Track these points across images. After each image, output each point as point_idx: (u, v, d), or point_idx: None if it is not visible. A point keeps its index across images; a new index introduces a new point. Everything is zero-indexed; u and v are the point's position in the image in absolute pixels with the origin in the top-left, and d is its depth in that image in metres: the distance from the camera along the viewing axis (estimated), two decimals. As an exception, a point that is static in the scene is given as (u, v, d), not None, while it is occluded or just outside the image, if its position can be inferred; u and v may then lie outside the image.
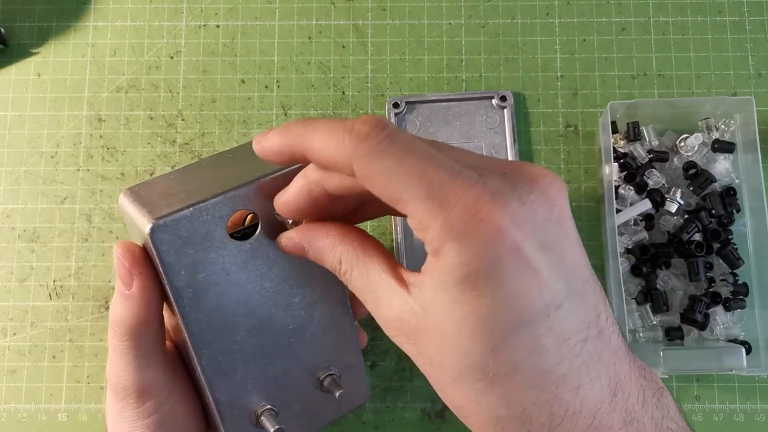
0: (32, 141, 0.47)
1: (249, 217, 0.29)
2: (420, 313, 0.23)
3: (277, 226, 0.29)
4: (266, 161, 0.27)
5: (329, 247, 0.26)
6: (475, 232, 0.21)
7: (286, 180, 0.28)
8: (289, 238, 0.28)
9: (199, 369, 0.29)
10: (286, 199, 0.27)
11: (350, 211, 0.29)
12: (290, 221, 0.28)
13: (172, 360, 0.32)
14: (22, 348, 0.45)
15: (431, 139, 0.26)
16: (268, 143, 0.26)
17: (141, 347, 0.30)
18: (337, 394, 0.32)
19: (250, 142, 0.33)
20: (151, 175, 0.47)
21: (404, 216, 0.23)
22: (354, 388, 0.34)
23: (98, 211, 0.46)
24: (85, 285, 0.45)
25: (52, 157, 0.47)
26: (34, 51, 0.49)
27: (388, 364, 0.44)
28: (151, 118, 0.48)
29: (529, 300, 0.22)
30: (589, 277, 0.24)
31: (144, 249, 0.28)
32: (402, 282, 0.24)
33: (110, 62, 0.48)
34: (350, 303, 0.33)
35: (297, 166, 0.29)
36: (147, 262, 0.28)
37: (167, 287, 0.27)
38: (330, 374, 0.33)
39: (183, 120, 0.48)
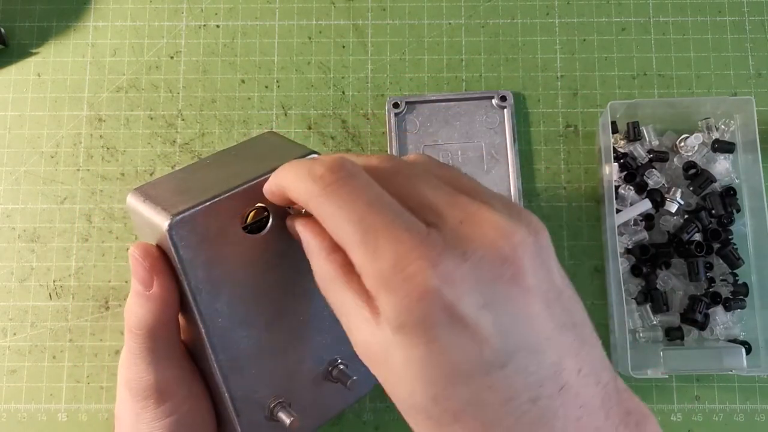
0: (32, 141, 0.47)
1: (252, 213, 0.29)
2: (384, 346, 0.23)
3: (285, 218, 0.29)
4: (275, 156, 0.28)
5: (316, 256, 0.26)
6: (404, 287, 0.21)
7: None
8: (290, 225, 0.28)
9: (215, 365, 0.29)
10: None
11: None
12: (303, 210, 0.29)
13: (187, 359, 0.32)
14: (22, 348, 0.45)
15: (443, 162, 0.26)
16: (268, 187, 0.27)
17: (161, 348, 0.30)
18: (348, 382, 0.32)
19: (251, 139, 0.33)
20: (151, 175, 0.47)
21: None
22: (359, 376, 0.34)
23: (98, 211, 0.46)
24: (85, 285, 0.45)
25: (52, 157, 0.47)
26: (34, 51, 0.49)
27: (388, 364, 0.44)
28: (151, 118, 0.48)
29: (467, 356, 0.21)
30: (550, 332, 0.22)
31: (160, 248, 0.28)
32: (375, 311, 0.23)
33: (110, 62, 0.48)
34: None
35: (310, 155, 0.29)
36: (166, 261, 0.28)
37: (185, 285, 0.27)
38: (338, 364, 0.33)
39: (183, 120, 0.48)
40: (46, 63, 0.48)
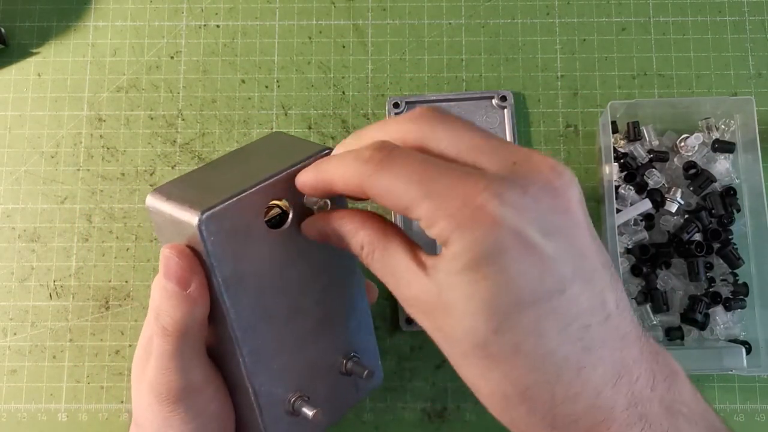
0: (32, 141, 0.47)
1: (273, 209, 0.30)
2: (436, 292, 0.24)
3: (306, 214, 0.30)
4: (289, 153, 0.29)
5: (352, 233, 0.27)
6: (475, 220, 0.23)
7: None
8: (313, 224, 0.29)
9: (241, 360, 0.29)
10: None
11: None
12: (316, 207, 0.29)
13: (208, 358, 0.31)
14: (23, 348, 0.45)
15: (449, 113, 0.27)
16: (307, 181, 0.28)
17: (191, 349, 0.30)
18: (365, 374, 0.33)
19: (261, 139, 0.33)
20: (151, 175, 0.47)
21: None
22: (371, 370, 0.34)
23: (98, 211, 0.46)
24: (85, 285, 0.45)
25: (52, 157, 0.47)
26: (34, 51, 0.49)
27: (388, 364, 0.44)
28: (152, 118, 0.48)
29: (532, 283, 0.23)
30: (597, 264, 0.24)
31: (191, 247, 0.28)
32: (421, 264, 0.25)
33: (110, 62, 0.48)
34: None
35: (324, 151, 0.30)
36: (199, 260, 0.28)
37: (216, 280, 0.28)
38: (352, 357, 0.34)
39: (183, 120, 0.48)
40: (46, 63, 0.48)
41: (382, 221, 0.28)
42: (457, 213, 0.23)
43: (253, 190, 0.28)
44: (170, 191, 0.28)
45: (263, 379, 0.30)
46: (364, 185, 0.25)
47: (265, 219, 0.29)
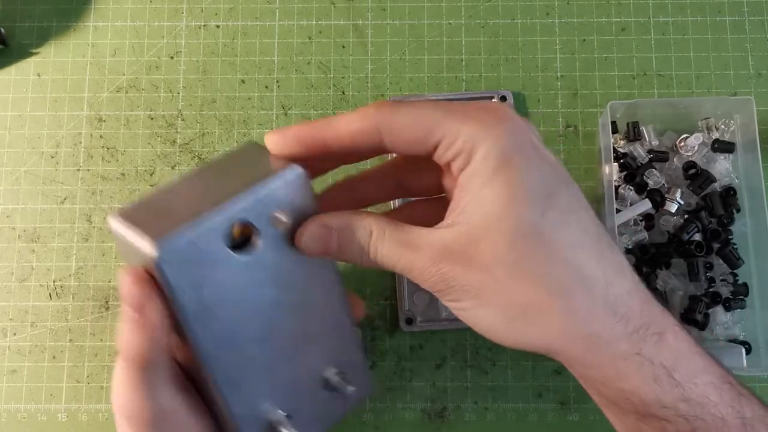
0: (32, 141, 0.47)
1: (237, 230, 0.29)
2: (464, 223, 0.26)
3: (273, 234, 0.29)
4: (256, 169, 0.28)
5: (357, 221, 0.29)
6: (501, 121, 0.26)
7: (282, 185, 0.28)
8: (313, 233, 0.29)
9: (213, 386, 0.29)
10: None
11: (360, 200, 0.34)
12: (281, 226, 0.28)
13: (184, 383, 0.31)
14: (22, 348, 0.45)
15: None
16: (286, 134, 0.29)
17: (158, 376, 0.29)
18: (348, 390, 0.33)
19: (233, 152, 0.32)
20: (151, 175, 0.47)
21: (422, 162, 0.29)
22: (357, 382, 0.34)
23: (98, 211, 0.46)
24: (85, 285, 0.45)
25: (52, 157, 0.47)
26: (34, 51, 0.49)
27: (388, 364, 0.44)
28: (151, 118, 0.48)
29: (552, 174, 0.27)
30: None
31: (149, 272, 0.27)
32: (430, 219, 0.28)
33: (110, 62, 0.48)
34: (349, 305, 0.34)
35: (289, 168, 0.29)
36: (156, 285, 0.27)
37: (176, 308, 0.27)
38: (336, 373, 0.33)
39: (183, 120, 0.48)
40: (46, 63, 0.48)
41: (380, 213, 0.29)
42: (485, 116, 0.26)
43: (213, 214, 0.27)
44: (130, 214, 0.28)
45: (239, 401, 0.30)
46: (382, 123, 0.27)
47: (239, 237, 0.28)
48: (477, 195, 0.26)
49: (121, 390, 0.29)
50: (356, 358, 0.34)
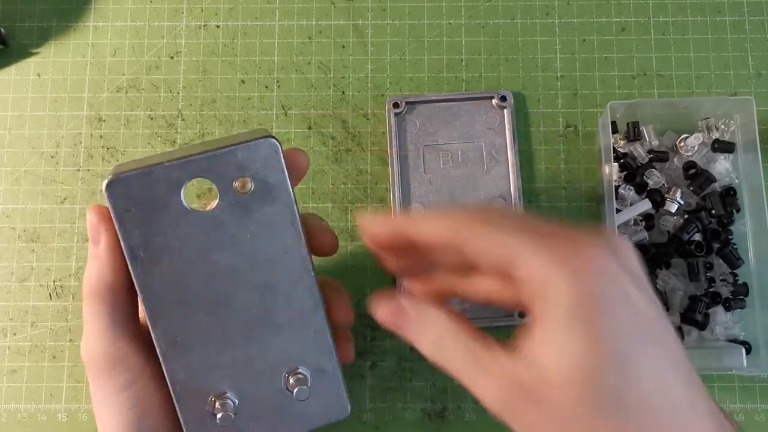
0: (32, 141, 0.47)
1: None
2: (539, 363, 0.25)
3: (237, 201, 0.30)
4: (229, 140, 0.30)
5: (434, 316, 0.29)
6: (588, 265, 0.25)
7: (244, 153, 0.29)
8: (392, 304, 0.30)
9: (154, 339, 0.30)
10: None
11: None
12: (242, 190, 0.29)
13: (145, 337, 0.31)
14: (22, 348, 0.45)
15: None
16: (380, 224, 0.30)
17: (113, 315, 0.30)
18: (303, 396, 0.31)
19: (239, 132, 0.33)
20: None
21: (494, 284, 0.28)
22: (328, 397, 0.32)
23: (98, 211, 0.46)
24: (85, 285, 0.45)
25: (52, 157, 0.47)
26: (34, 51, 0.49)
27: (388, 364, 0.44)
28: (151, 118, 0.48)
29: (637, 325, 0.25)
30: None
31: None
32: (501, 346, 0.26)
33: (110, 62, 0.48)
34: (328, 303, 0.32)
35: (262, 138, 0.30)
36: (112, 222, 0.29)
37: (123, 245, 0.29)
38: (297, 373, 0.31)
39: (183, 120, 0.48)
40: (46, 63, 0.48)
41: (449, 313, 0.29)
42: (568, 255, 0.25)
43: (168, 164, 0.29)
44: (120, 166, 0.30)
45: (181, 365, 0.30)
46: (463, 235, 0.27)
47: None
48: (554, 337, 0.25)
49: (83, 333, 0.31)
50: (328, 367, 0.32)
